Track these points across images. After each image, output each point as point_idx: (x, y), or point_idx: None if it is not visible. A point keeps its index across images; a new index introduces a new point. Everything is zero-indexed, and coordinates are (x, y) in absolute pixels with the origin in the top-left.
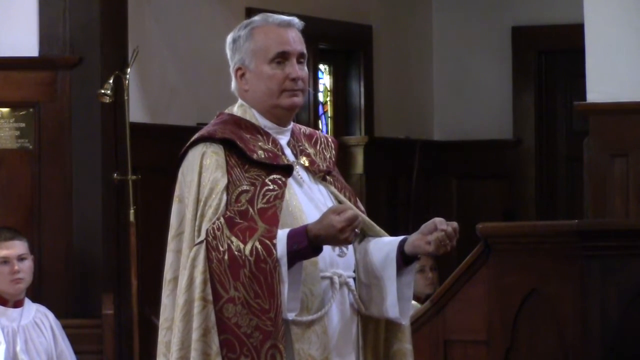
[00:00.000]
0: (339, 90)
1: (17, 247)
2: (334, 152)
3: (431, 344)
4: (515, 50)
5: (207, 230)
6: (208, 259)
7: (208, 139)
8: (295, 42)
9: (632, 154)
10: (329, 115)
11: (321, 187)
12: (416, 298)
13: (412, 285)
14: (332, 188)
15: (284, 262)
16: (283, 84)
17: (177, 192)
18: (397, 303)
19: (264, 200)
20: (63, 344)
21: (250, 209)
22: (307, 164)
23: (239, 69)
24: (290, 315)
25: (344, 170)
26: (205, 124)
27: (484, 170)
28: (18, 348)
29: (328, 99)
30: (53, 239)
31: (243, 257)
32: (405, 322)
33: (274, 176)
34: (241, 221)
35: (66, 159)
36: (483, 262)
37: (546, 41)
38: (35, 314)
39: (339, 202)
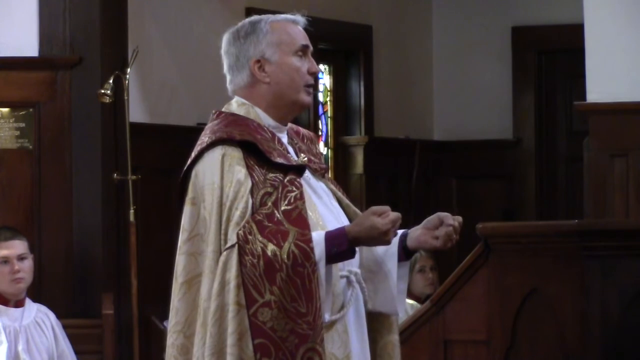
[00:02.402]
0: (339, 90)
1: (17, 246)
2: (318, 147)
3: (431, 344)
4: (515, 50)
5: (237, 234)
6: (241, 263)
7: (226, 140)
8: (308, 38)
9: (632, 154)
10: (329, 115)
11: (322, 185)
12: (416, 298)
13: (407, 278)
14: (331, 185)
15: (322, 265)
16: (305, 77)
17: (190, 195)
18: (396, 297)
19: (286, 202)
20: (64, 344)
21: (276, 212)
22: (307, 162)
23: (257, 61)
24: (326, 317)
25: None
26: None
27: (484, 170)
28: (20, 348)
29: (328, 99)
30: (53, 239)
31: (280, 261)
32: (400, 315)
33: (290, 177)
34: (270, 224)
35: (66, 159)
36: (483, 262)
37: (546, 41)
38: (36, 313)
39: (337, 199)
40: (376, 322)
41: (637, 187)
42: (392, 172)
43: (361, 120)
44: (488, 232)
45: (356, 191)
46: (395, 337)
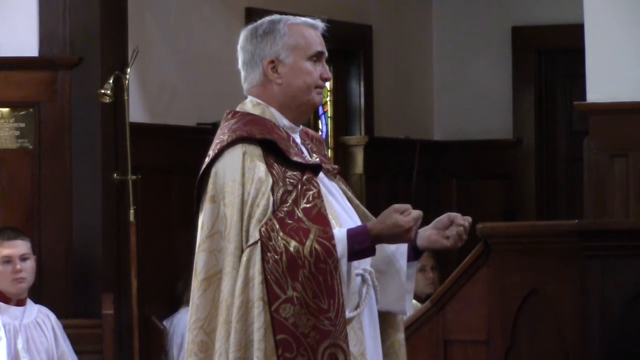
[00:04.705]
0: (339, 90)
1: (20, 246)
2: (325, 148)
3: (431, 344)
4: (515, 50)
5: (260, 230)
6: (263, 259)
7: (247, 139)
8: (324, 45)
9: (632, 154)
10: (329, 115)
11: (334, 185)
12: (416, 298)
13: (414, 278)
14: (342, 185)
15: (344, 262)
16: (317, 81)
17: (210, 193)
18: (405, 296)
19: (305, 200)
20: (64, 345)
21: (296, 209)
22: (319, 162)
23: (271, 62)
24: (347, 313)
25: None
26: (206, 124)
27: (484, 170)
28: (20, 346)
29: (328, 99)
30: (53, 239)
31: (302, 257)
32: (408, 314)
33: (308, 176)
34: (291, 222)
35: (66, 159)
36: (483, 262)
37: (546, 41)
38: (37, 314)
39: (348, 198)
40: (383, 321)
41: (637, 187)
42: (392, 172)
43: (361, 120)
44: (488, 232)
45: (356, 191)
46: (401, 336)
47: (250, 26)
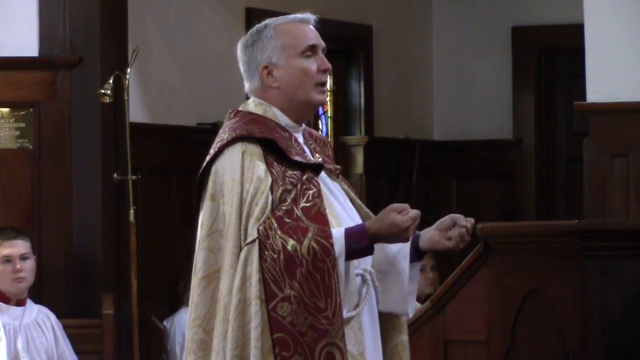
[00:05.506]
0: (339, 90)
1: (20, 246)
2: (329, 149)
3: (431, 344)
4: (515, 50)
5: (258, 229)
6: (261, 258)
7: (247, 137)
8: (318, 37)
9: (632, 154)
10: (329, 115)
11: (336, 185)
12: (416, 298)
13: (417, 280)
14: (345, 186)
15: (341, 261)
16: (315, 76)
17: (210, 191)
18: (407, 298)
19: (304, 199)
20: (64, 345)
21: (295, 209)
22: (321, 162)
23: (265, 67)
24: (346, 313)
25: (343, 170)
26: (206, 124)
27: (484, 170)
28: (19, 346)
29: (328, 99)
30: (53, 239)
31: (300, 256)
32: (410, 316)
33: (308, 175)
34: (289, 220)
35: (66, 159)
36: (483, 262)
37: (546, 41)
38: (37, 314)
39: (351, 199)
40: (386, 322)
41: (637, 187)
42: (392, 172)
43: (361, 120)
44: (488, 232)
45: (356, 191)
46: (404, 338)
47: (242, 37)
